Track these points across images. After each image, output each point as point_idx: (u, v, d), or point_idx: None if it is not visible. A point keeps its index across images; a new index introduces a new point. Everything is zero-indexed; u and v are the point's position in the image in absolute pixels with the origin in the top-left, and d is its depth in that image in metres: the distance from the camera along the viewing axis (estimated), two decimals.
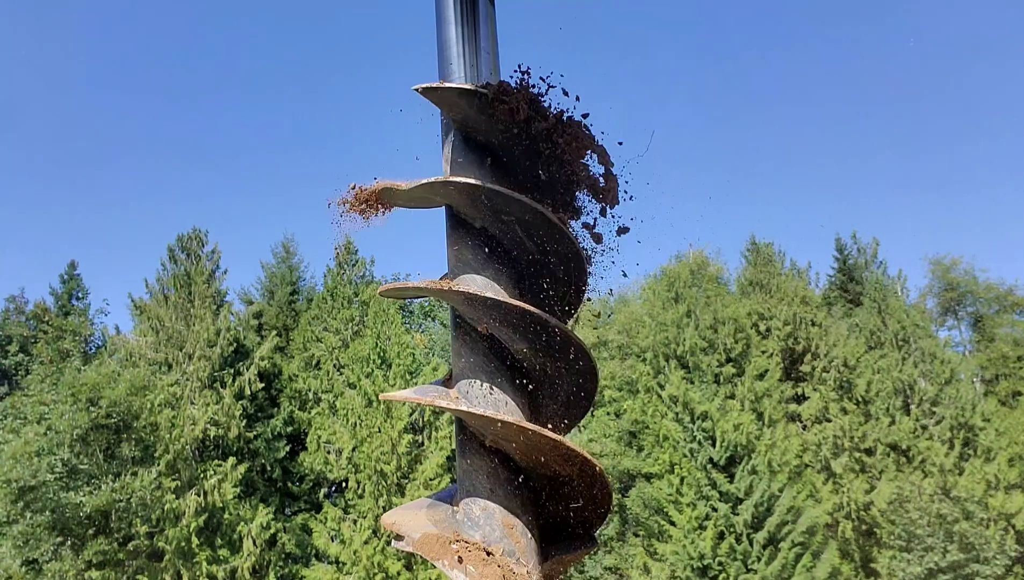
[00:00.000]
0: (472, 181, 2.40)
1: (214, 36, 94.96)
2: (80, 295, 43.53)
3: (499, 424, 2.08)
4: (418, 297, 2.87)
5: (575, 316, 2.71)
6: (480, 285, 2.42)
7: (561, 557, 2.27)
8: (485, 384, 2.29)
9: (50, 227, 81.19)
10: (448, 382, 2.41)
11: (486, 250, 2.50)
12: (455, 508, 2.20)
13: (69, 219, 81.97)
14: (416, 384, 30.18)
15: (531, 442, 2.10)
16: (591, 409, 2.58)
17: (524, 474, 2.25)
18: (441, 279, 2.57)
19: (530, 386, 2.41)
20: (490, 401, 2.26)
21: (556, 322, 2.28)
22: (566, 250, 2.49)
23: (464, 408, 2.14)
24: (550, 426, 2.43)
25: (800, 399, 34.92)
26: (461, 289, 2.32)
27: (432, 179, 2.43)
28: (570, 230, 2.53)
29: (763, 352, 33.63)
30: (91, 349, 38.99)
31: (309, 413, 33.24)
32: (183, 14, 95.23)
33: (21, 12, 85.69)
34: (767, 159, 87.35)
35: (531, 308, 2.25)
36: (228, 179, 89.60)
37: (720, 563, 26.60)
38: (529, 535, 2.13)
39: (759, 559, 26.54)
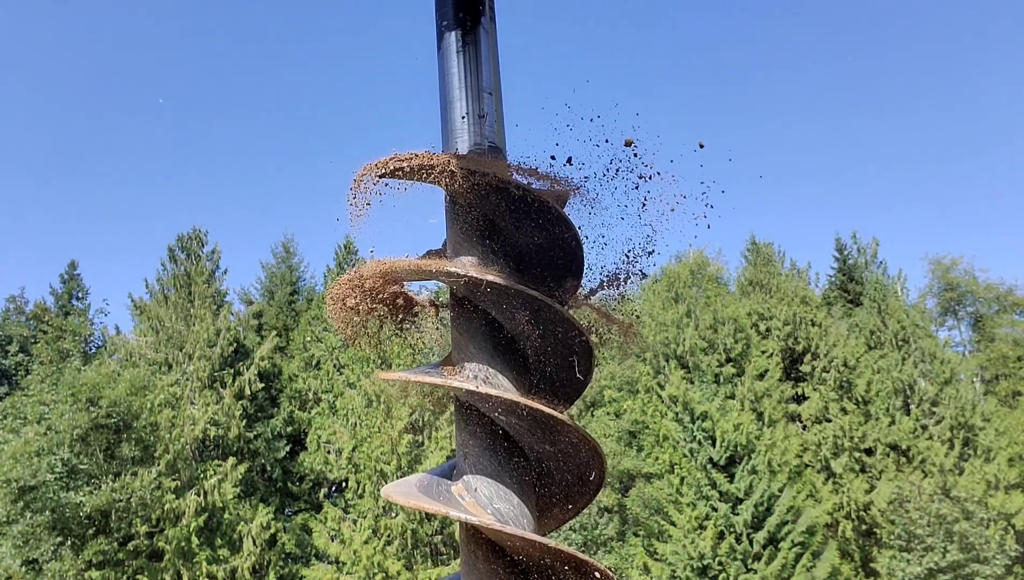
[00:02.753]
0: (475, 275, 2.31)
1: (213, 36, 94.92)
2: (80, 295, 43.51)
3: (511, 536, 2.06)
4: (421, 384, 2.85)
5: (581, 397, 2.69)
6: (486, 377, 2.36)
7: None
8: (493, 482, 2.24)
9: (50, 227, 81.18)
10: (454, 473, 2.38)
11: (491, 339, 2.44)
12: None
13: (69, 219, 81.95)
14: None
15: (541, 552, 2.09)
16: (598, 494, 2.57)
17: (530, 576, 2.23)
18: (444, 363, 2.54)
19: (537, 481, 2.37)
20: (497, 506, 2.21)
21: (569, 421, 2.26)
22: (573, 339, 2.43)
23: (475, 521, 2.10)
24: (556, 509, 2.42)
25: (800, 399, 34.91)
26: (469, 386, 2.27)
27: (434, 267, 2.39)
28: (577, 320, 2.48)
29: (763, 352, 33.62)
30: (91, 349, 38.96)
31: (309, 413, 33.23)
32: (182, 15, 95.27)
33: (21, 10, 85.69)
34: (768, 159, 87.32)
35: (542, 407, 2.19)
36: (228, 179, 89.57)
37: (720, 563, 26.59)
38: None
39: (759, 559, 26.53)
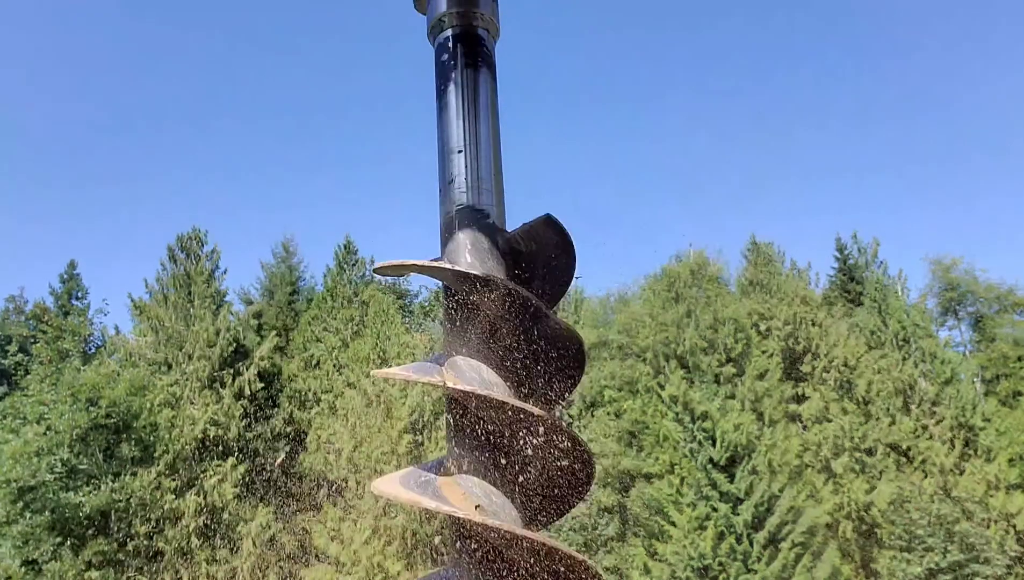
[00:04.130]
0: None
1: (213, 36, 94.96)
2: (80, 295, 43.49)
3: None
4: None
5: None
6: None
7: None
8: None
9: (50, 227, 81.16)
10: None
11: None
12: None
13: (69, 219, 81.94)
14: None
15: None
16: None
17: None
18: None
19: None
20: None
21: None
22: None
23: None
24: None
25: (800, 399, 34.88)
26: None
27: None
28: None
29: (763, 352, 33.57)
30: (91, 349, 38.94)
31: (309, 413, 33.22)
32: (182, 14, 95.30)
33: (21, 12, 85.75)
34: (767, 159, 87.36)
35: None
36: (228, 179, 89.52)
37: (720, 563, 26.56)
38: None
39: (759, 559, 26.51)
